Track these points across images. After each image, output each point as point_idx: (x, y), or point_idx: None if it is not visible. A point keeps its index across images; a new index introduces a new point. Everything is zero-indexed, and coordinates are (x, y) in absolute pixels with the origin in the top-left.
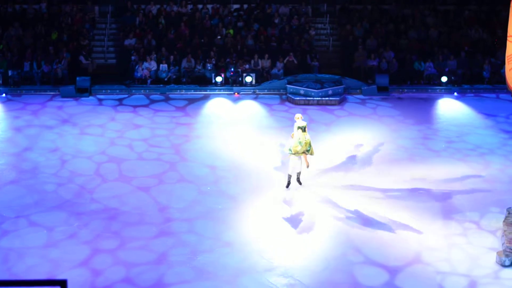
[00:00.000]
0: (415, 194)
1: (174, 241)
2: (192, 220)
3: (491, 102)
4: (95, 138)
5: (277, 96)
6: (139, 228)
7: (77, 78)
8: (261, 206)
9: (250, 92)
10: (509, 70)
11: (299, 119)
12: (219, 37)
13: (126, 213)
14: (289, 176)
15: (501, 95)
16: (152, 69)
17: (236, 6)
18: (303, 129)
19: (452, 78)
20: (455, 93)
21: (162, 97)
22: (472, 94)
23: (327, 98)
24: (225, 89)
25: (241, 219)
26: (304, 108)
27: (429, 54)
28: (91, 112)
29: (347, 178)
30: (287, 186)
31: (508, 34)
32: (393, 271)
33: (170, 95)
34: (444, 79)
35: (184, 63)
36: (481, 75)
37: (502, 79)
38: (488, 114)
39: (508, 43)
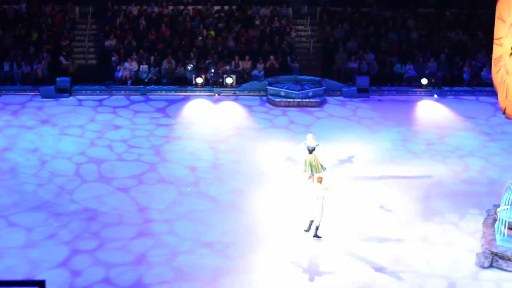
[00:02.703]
0: (395, 195)
1: (153, 242)
2: (172, 221)
3: (471, 104)
4: (75, 139)
5: (257, 97)
6: (119, 228)
7: (57, 79)
8: (242, 207)
9: (231, 93)
10: (496, 72)
11: (310, 139)
12: (199, 38)
13: (105, 214)
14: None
15: (481, 97)
16: (133, 70)
17: (217, 7)
18: (310, 151)
19: (432, 80)
20: (435, 95)
21: (142, 98)
22: (452, 96)
23: (307, 100)
24: (206, 90)
25: (222, 220)
26: (284, 110)
27: (410, 57)
28: (71, 112)
29: (326, 180)
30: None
31: (494, 37)
32: (373, 273)
33: (150, 96)
34: (424, 81)
35: (165, 64)
36: (461, 78)
37: (482, 82)
38: (468, 117)
39: (494, 46)
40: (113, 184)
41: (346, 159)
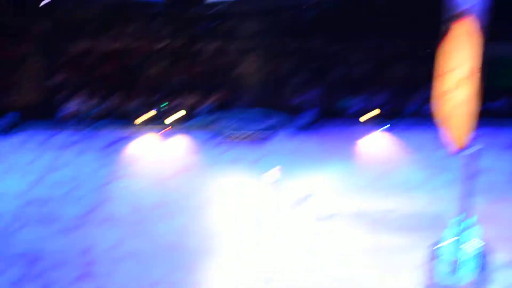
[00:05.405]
0: (340, 230)
1: (98, 283)
2: (117, 261)
3: (418, 137)
4: (18, 178)
5: (205, 132)
6: (62, 271)
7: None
8: (188, 246)
9: (179, 129)
10: (442, 106)
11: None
12: (146, 75)
13: (48, 256)
14: None
15: (428, 130)
16: (79, 106)
17: (162, 44)
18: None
19: (379, 113)
20: (382, 128)
21: (88, 135)
22: (399, 129)
23: (255, 134)
24: (153, 126)
25: (167, 260)
26: (233, 144)
27: (356, 90)
28: (15, 150)
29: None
30: None
31: (441, 71)
32: None
33: (97, 133)
34: (371, 114)
35: (111, 101)
36: (407, 110)
37: (427, 115)
38: (414, 149)
39: (441, 79)
40: (55, 225)
41: (295, 193)
